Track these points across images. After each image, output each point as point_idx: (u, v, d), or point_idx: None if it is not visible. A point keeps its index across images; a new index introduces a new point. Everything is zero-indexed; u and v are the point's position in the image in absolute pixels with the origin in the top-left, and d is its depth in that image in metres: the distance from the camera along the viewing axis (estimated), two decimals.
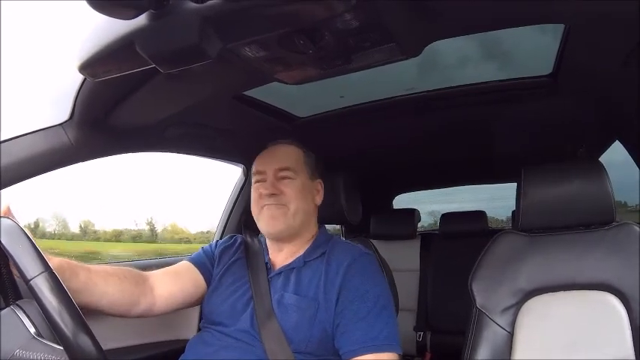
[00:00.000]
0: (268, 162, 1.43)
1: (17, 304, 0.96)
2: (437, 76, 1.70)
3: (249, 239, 1.53)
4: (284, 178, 1.40)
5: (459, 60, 1.60)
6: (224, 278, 1.45)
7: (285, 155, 1.44)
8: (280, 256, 1.44)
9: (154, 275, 1.41)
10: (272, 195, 1.38)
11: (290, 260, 1.41)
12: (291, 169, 1.41)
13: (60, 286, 0.91)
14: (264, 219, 1.40)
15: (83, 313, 0.92)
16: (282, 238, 1.43)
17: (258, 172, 1.44)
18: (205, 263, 1.50)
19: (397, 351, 1.25)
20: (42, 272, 0.90)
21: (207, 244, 1.58)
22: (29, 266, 0.91)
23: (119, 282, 1.28)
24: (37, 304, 0.90)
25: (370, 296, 1.28)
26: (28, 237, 0.95)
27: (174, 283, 1.42)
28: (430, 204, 4.33)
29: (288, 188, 1.39)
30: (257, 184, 1.43)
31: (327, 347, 1.28)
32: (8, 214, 1.03)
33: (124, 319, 1.37)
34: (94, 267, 1.26)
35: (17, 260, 0.91)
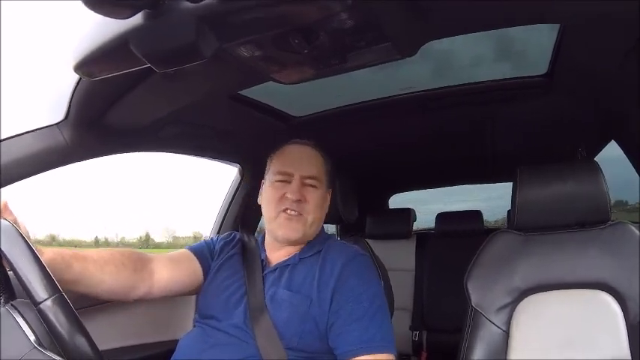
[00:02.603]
0: (296, 165, 1.41)
1: (13, 306, 0.95)
2: (434, 76, 1.71)
3: (245, 238, 1.53)
4: (309, 185, 1.40)
5: (456, 60, 1.60)
6: (219, 272, 1.45)
7: (313, 161, 1.44)
8: (278, 253, 1.43)
9: (156, 260, 1.41)
10: (297, 201, 1.36)
11: (286, 257, 1.41)
12: (317, 177, 1.41)
13: (68, 307, 0.92)
14: (282, 226, 1.39)
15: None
16: (294, 243, 1.42)
17: (284, 173, 1.41)
18: (205, 254, 1.50)
19: (392, 351, 1.25)
20: (51, 296, 0.90)
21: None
22: (38, 288, 0.91)
23: (115, 270, 1.28)
24: (32, 306, 0.90)
25: (366, 297, 1.28)
26: (26, 242, 0.94)
27: (173, 270, 1.42)
28: (445, 203, 4.30)
29: (312, 198, 1.39)
30: (280, 183, 1.41)
31: (318, 345, 1.28)
32: (5, 212, 1.02)
33: (121, 319, 1.37)
34: (91, 255, 1.26)
35: (24, 279, 0.91)
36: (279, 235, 1.40)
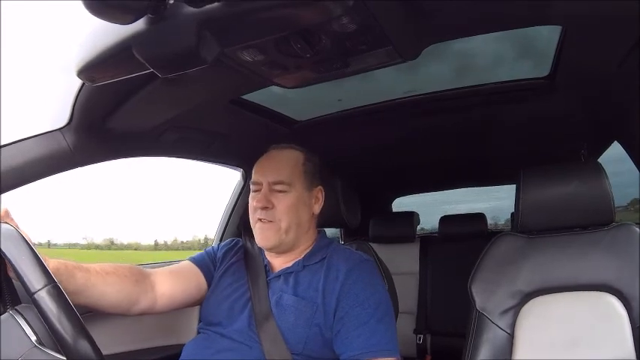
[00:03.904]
0: (264, 172, 1.42)
1: (17, 310, 0.96)
2: (439, 78, 1.71)
3: (248, 243, 1.52)
4: (278, 191, 1.39)
5: (459, 62, 1.60)
6: (223, 279, 1.45)
7: (281, 165, 1.42)
8: (278, 260, 1.43)
9: (156, 273, 1.40)
10: (264, 208, 1.37)
11: (289, 264, 1.40)
12: (286, 182, 1.39)
13: (63, 297, 0.91)
14: (257, 235, 1.40)
15: (83, 312, 0.92)
16: (277, 252, 1.43)
17: (255, 183, 1.43)
18: (207, 264, 1.49)
19: (397, 356, 1.25)
20: (45, 286, 0.90)
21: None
22: (32, 278, 0.90)
23: (119, 281, 1.28)
24: (37, 311, 0.90)
25: (371, 303, 1.28)
26: (27, 243, 0.95)
27: (175, 283, 1.41)
28: (472, 203, 4.28)
29: (281, 203, 1.37)
30: (254, 193, 1.42)
31: (323, 351, 1.28)
32: (7, 219, 1.02)
33: (124, 324, 1.37)
34: (93, 267, 1.25)
35: (20, 271, 0.91)
36: (258, 243, 1.41)
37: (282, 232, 1.37)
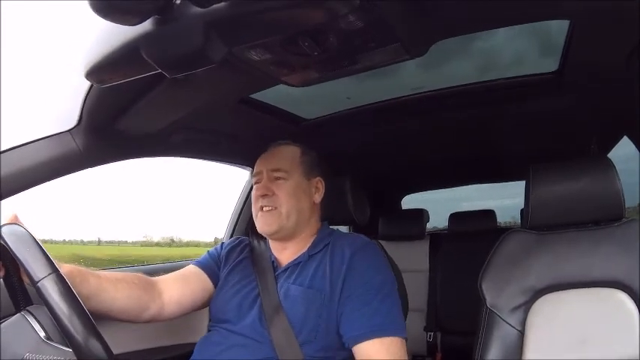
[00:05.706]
0: (264, 163, 1.46)
1: (27, 310, 0.97)
2: (443, 75, 1.70)
3: (255, 242, 1.54)
4: (277, 178, 1.42)
5: (464, 59, 1.59)
6: (230, 277, 1.47)
7: (279, 156, 1.47)
8: (285, 254, 1.45)
9: (162, 280, 1.43)
10: (265, 196, 1.41)
11: (295, 256, 1.42)
12: (284, 169, 1.43)
13: (68, 287, 0.91)
14: (259, 223, 1.43)
15: (94, 319, 0.92)
16: (279, 238, 1.45)
17: (256, 173, 1.47)
18: (212, 266, 1.52)
19: (402, 335, 1.26)
20: (50, 274, 0.90)
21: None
22: (37, 268, 0.91)
23: (128, 287, 1.30)
24: (46, 309, 0.91)
25: (374, 283, 1.30)
26: (36, 242, 0.95)
27: (182, 287, 1.44)
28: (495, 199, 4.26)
29: (281, 190, 1.41)
30: (256, 185, 1.46)
31: (334, 338, 1.29)
32: (16, 221, 1.03)
33: (133, 323, 1.38)
34: (104, 273, 1.28)
35: (25, 264, 0.91)
36: (260, 230, 1.44)
37: (284, 218, 1.40)
